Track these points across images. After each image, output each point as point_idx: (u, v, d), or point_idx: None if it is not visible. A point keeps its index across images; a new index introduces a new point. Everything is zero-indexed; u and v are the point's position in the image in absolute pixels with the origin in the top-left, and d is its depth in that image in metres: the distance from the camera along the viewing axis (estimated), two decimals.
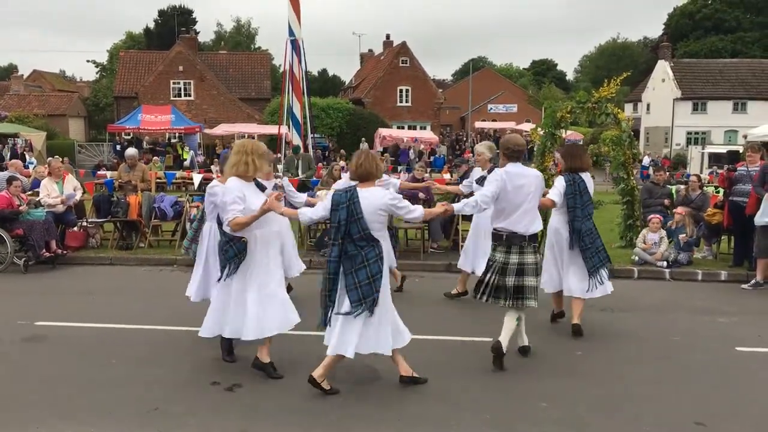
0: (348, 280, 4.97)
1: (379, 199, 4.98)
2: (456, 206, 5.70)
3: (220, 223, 5.58)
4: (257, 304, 5.28)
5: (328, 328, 5.11)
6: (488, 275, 5.81)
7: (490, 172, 7.81)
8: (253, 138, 36.70)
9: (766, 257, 9.10)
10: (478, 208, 5.71)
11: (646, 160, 32.20)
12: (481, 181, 7.94)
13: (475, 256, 8.01)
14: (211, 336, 5.58)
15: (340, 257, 4.98)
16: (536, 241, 5.92)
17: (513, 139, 6.01)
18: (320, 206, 5.18)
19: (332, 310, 5.05)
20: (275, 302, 5.34)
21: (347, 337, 4.98)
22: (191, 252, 6.78)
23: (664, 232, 10.12)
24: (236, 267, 5.29)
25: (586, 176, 6.72)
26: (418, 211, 5.19)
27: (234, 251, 5.28)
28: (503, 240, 5.75)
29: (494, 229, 5.85)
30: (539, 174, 5.99)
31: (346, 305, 4.99)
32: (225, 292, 5.42)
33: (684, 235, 10.10)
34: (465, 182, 8.51)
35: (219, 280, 5.49)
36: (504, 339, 5.71)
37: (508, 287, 5.71)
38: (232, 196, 5.18)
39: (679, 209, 10.62)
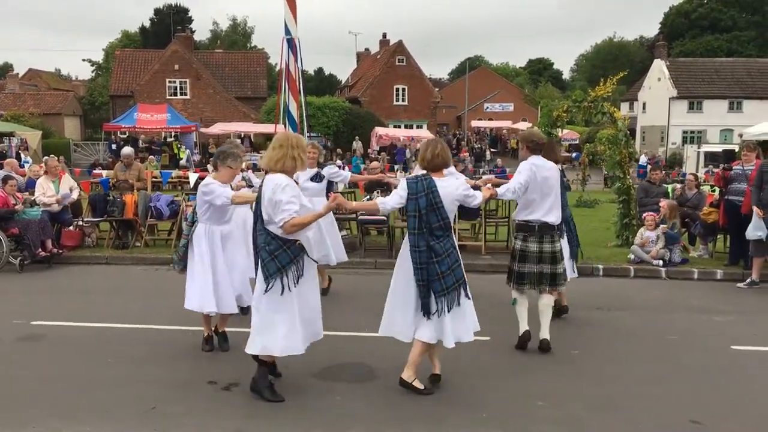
0: (431, 269, 4.96)
1: (455, 189, 5.07)
2: (499, 190, 5.84)
3: (256, 225, 4.96)
4: (315, 311, 5.03)
5: (423, 319, 5.01)
6: (524, 265, 6.07)
7: None
8: (249, 137, 36.53)
9: (761, 256, 9.14)
10: (516, 195, 5.91)
11: (643, 159, 32.25)
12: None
13: None
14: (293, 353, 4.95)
15: (427, 246, 4.96)
16: (560, 229, 6.30)
17: (536, 133, 6.39)
18: (396, 195, 5.10)
19: (435, 299, 4.97)
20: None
21: (444, 327, 4.99)
22: (181, 264, 6.17)
23: (660, 230, 10.13)
24: (296, 275, 4.80)
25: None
26: (479, 198, 5.32)
27: (288, 257, 4.76)
28: (535, 231, 6.01)
29: (524, 221, 6.06)
30: (556, 166, 6.32)
31: (432, 301, 4.97)
32: (287, 303, 4.81)
33: (665, 225, 10.11)
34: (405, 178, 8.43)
35: (282, 293, 4.78)
36: (545, 332, 6.15)
37: (544, 274, 6.05)
38: (288, 195, 4.71)
39: (663, 202, 10.60)
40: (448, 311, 4.98)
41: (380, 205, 5.18)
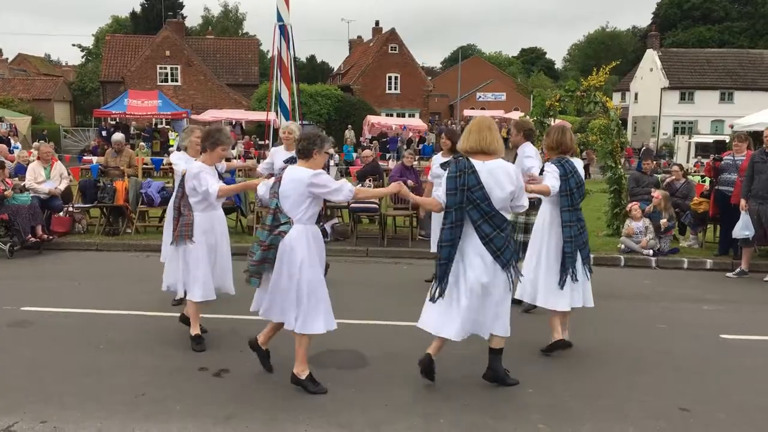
0: (578, 240, 5.51)
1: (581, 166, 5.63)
2: (553, 190, 5.72)
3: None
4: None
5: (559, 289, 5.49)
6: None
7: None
8: (241, 124, 36.33)
9: (749, 246, 9.20)
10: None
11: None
12: (291, 161, 7.69)
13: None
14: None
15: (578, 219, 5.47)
16: None
17: (531, 122, 7.27)
18: (552, 178, 5.33)
19: (574, 270, 5.48)
20: None
21: (576, 292, 5.59)
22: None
23: (648, 221, 10.18)
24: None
25: None
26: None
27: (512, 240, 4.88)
28: (534, 205, 6.39)
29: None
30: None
31: (579, 264, 5.54)
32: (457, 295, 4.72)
33: (665, 219, 10.13)
34: (264, 164, 8.30)
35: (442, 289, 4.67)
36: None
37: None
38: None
39: (656, 193, 10.64)
40: (588, 277, 5.61)
41: (552, 189, 5.30)
